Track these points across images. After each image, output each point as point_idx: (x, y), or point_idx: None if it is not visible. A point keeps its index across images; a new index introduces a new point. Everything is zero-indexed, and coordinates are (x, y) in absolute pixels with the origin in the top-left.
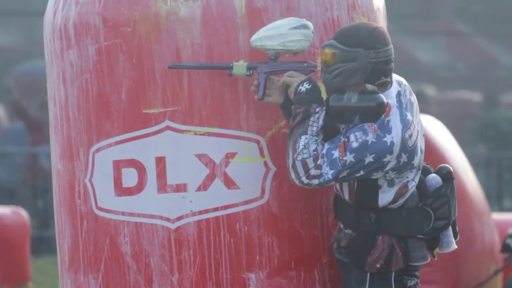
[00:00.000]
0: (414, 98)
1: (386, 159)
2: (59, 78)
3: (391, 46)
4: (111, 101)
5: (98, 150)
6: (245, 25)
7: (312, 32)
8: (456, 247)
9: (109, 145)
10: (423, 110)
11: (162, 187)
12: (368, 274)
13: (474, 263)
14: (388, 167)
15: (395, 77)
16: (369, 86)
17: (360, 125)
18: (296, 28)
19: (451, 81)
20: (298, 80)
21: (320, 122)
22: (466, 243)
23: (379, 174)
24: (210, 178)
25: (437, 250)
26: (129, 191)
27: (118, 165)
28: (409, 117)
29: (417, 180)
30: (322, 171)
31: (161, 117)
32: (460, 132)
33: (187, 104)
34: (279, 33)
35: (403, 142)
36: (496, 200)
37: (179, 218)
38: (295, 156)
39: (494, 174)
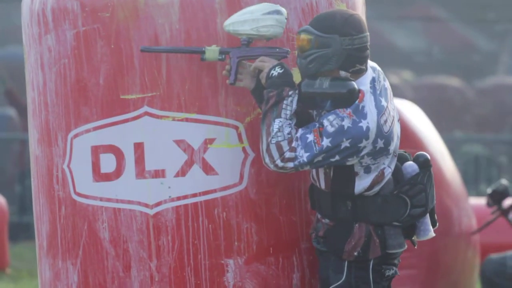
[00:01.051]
0: (388, 84)
1: (362, 144)
2: (37, 63)
3: (367, 33)
4: (89, 86)
5: (76, 135)
6: (223, 10)
7: (286, 18)
8: (433, 235)
9: (87, 131)
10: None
11: (141, 172)
12: (346, 262)
13: (451, 248)
14: (363, 152)
15: (369, 63)
16: (343, 73)
17: (332, 110)
18: (269, 13)
19: (427, 66)
20: (269, 64)
21: (294, 106)
22: (443, 228)
23: (354, 160)
24: (189, 164)
25: (414, 238)
26: (107, 177)
27: (96, 151)
28: (383, 102)
29: (393, 166)
30: (297, 153)
31: (140, 102)
32: (437, 117)
33: (165, 90)
34: (252, 18)
35: (379, 127)
36: (473, 185)
37: (158, 204)
38: (269, 139)
39: (471, 159)
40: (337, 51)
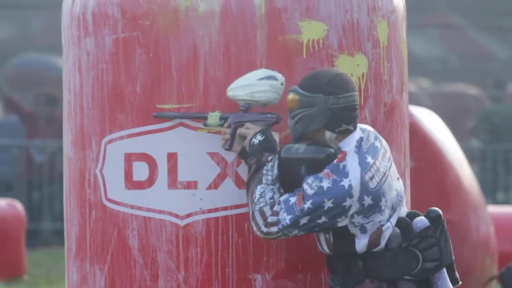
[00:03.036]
0: (380, 143)
1: (346, 203)
2: (74, 66)
3: (355, 93)
4: (126, 93)
5: (110, 141)
6: (264, 25)
7: (282, 84)
8: None
9: (122, 138)
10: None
11: (173, 183)
12: None
13: (470, 255)
14: (351, 211)
15: (361, 125)
16: (328, 133)
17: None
18: (262, 79)
19: (444, 74)
20: (252, 132)
21: (275, 171)
22: (461, 237)
23: (345, 220)
24: (221, 177)
25: None
26: (139, 185)
27: (129, 158)
28: (369, 160)
29: (394, 220)
30: (280, 217)
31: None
32: (454, 125)
33: (202, 102)
34: (247, 83)
35: (363, 184)
36: (490, 193)
37: (188, 215)
38: (253, 207)
39: (489, 168)
40: (321, 110)
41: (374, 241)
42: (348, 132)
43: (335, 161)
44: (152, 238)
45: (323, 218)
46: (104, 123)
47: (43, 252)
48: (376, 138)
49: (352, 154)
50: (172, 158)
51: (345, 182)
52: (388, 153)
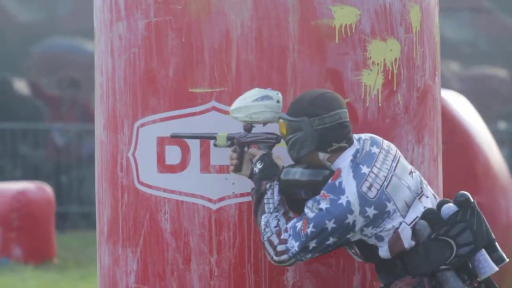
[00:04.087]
0: (378, 148)
1: (348, 220)
2: (107, 49)
3: (342, 110)
4: (158, 77)
5: (142, 125)
6: (296, 9)
7: (278, 101)
8: (496, 269)
9: (154, 121)
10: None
11: (205, 167)
12: None
13: (499, 239)
14: (357, 227)
15: (356, 135)
16: (321, 154)
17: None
18: (258, 100)
19: (474, 57)
20: (257, 157)
21: (276, 197)
22: (490, 220)
23: (355, 235)
24: None
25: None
26: (171, 169)
27: (162, 142)
28: (364, 170)
29: (409, 218)
30: (288, 245)
31: (208, 97)
32: (483, 108)
33: (234, 86)
34: (244, 105)
35: (361, 196)
36: None
37: (221, 199)
38: (262, 238)
39: None
40: (309, 133)
41: (395, 245)
42: (342, 149)
43: (330, 180)
44: (185, 221)
45: (331, 239)
46: (136, 106)
47: (72, 235)
48: (373, 144)
49: (347, 169)
50: (204, 142)
51: (343, 200)
52: (392, 154)
